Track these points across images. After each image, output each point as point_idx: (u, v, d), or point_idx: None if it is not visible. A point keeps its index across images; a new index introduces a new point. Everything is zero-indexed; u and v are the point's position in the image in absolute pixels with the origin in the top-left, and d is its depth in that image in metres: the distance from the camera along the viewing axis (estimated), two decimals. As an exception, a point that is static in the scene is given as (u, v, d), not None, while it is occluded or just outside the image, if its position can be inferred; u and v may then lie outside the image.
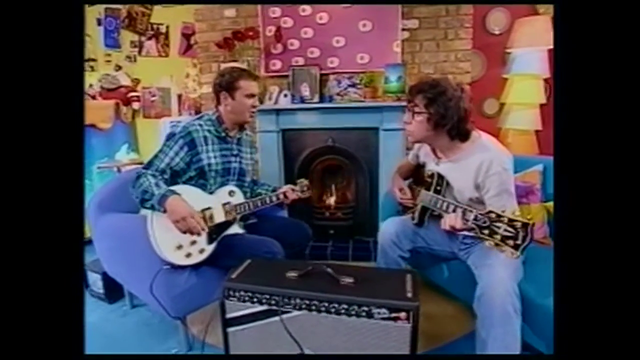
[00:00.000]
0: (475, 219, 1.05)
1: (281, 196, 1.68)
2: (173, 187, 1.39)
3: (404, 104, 2.24)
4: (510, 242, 0.95)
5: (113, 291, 1.91)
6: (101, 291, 1.92)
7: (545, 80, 2.57)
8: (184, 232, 1.31)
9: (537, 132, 2.65)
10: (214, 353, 1.44)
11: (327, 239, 2.62)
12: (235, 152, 1.62)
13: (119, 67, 3.11)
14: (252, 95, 1.54)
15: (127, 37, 3.10)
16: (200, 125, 1.52)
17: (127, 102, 3.10)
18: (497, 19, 2.75)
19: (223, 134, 1.57)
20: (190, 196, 1.39)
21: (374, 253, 2.42)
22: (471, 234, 1.28)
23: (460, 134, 1.27)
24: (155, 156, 1.46)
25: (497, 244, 0.98)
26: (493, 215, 1.01)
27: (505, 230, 0.96)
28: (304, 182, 1.79)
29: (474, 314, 1.66)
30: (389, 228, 1.49)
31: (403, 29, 2.43)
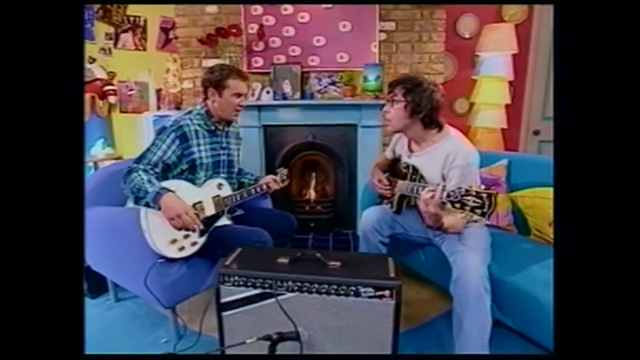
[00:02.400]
0: (448, 195, 1.17)
1: (264, 187, 1.75)
2: (165, 183, 1.42)
3: (382, 102, 2.41)
4: (478, 211, 1.08)
5: (95, 286, 1.90)
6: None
7: (510, 82, 2.78)
8: (179, 229, 1.35)
9: (502, 130, 2.86)
10: (207, 340, 1.48)
11: (308, 231, 2.70)
12: (224, 145, 1.67)
13: (92, 60, 3.04)
14: (239, 95, 1.58)
15: (101, 28, 3.03)
16: (191, 119, 1.56)
17: (103, 95, 3.04)
18: (467, 23, 2.93)
19: (213, 127, 1.62)
20: (181, 191, 1.43)
21: (354, 244, 2.55)
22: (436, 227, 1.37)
23: (433, 123, 1.43)
24: (148, 150, 1.48)
25: (467, 213, 1.11)
26: (462, 190, 1.13)
27: (474, 201, 1.09)
28: (284, 171, 1.87)
29: (446, 296, 1.82)
30: (370, 215, 1.60)
31: (380, 31, 2.55)
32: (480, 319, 1.23)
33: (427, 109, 1.39)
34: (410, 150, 1.56)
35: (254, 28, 2.55)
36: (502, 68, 2.67)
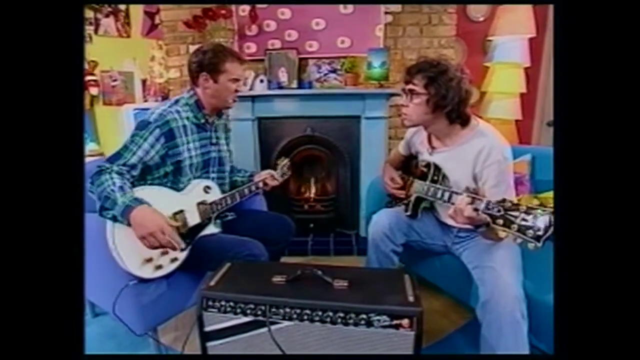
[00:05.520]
0: (487, 207, 0.96)
1: (261, 184, 1.54)
2: (139, 189, 1.19)
3: (388, 91, 2.20)
4: (530, 232, 0.87)
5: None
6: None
7: (526, 69, 2.56)
8: (154, 249, 1.12)
9: (516, 121, 2.66)
10: None
11: (307, 233, 2.51)
12: (213, 141, 1.44)
13: (72, 48, 2.79)
14: (237, 80, 1.37)
15: (80, 13, 2.78)
16: (178, 112, 1.31)
17: (84, 87, 2.81)
18: (478, 5, 2.70)
19: (202, 121, 1.38)
20: (158, 200, 1.20)
21: (357, 247, 2.36)
22: (472, 226, 1.18)
23: (460, 118, 1.21)
24: (125, 147, 1.22)
25: (513, 235, 0.90)
26: (508, 204, 0.92)
27: (524, 219, 0.88)
28: (284, 161, 1.66)
29: (461, 308, 1.64)
30: (382, 220, 1.39)
31: (386, 12, 2.32)
32: (517, 352, 1.04)
33: (453, 102, 1.16)
34: (432, 147, 1.34)
35: (245, 10, 2.31)
36: (517, 53, 2.45)
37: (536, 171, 1.67)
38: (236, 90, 1.40)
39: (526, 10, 2.38)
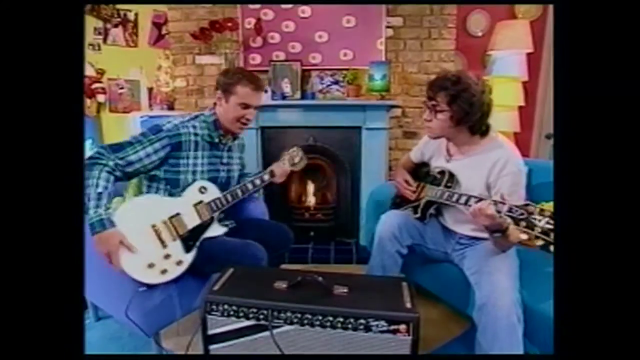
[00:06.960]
0: (510, 210, 1.00)
1: (266, 177, 1.49)
2: (133, 199, 1.24)
3: (389, 102, 2.25)
4: (553, 234, 0.90)
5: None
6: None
7: (524, 83, 2.62)
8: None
9: (515, 134, 2.70)
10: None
11: (308, 240, 2.54)
12: (225, 161, 1.47)
13: (81, 56, 2.86)
14: (247, 106, 1.37)
15: (90, 22, 2.85)
16: (194, 127, 1.35)
17: (92, 94, 2.87)
18: (477, 20, 2.78)
19: (216, 140, 1.41)
20: (151, 208, 1.24)
21: (356, 255, 2.38)
22: (488, 230, 1.17)
23: (482, 129, 1.26)
24: (130, 143, 1.24)
25: (537, 237, 0.94)
26: (532, 209, 0.96)
27: (548, 223, 0.91)
28: (295, 151, 1.60)
29: (459, 317, 1.66)
30: (391, 220, 1.43)
31: (387, 26, 2.39)
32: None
33: (476, 117, 1.21)
34: (449, 154, 1.39)
35: (251, 22, 2.38)
36: (515, 67, 2.51)
37: (533, 183, 1.70)
38: (245, 119, 1.38)
39: (523, 26, 2.45)
